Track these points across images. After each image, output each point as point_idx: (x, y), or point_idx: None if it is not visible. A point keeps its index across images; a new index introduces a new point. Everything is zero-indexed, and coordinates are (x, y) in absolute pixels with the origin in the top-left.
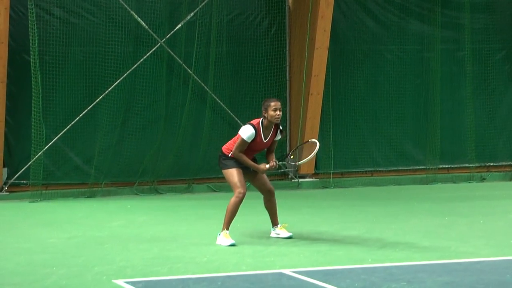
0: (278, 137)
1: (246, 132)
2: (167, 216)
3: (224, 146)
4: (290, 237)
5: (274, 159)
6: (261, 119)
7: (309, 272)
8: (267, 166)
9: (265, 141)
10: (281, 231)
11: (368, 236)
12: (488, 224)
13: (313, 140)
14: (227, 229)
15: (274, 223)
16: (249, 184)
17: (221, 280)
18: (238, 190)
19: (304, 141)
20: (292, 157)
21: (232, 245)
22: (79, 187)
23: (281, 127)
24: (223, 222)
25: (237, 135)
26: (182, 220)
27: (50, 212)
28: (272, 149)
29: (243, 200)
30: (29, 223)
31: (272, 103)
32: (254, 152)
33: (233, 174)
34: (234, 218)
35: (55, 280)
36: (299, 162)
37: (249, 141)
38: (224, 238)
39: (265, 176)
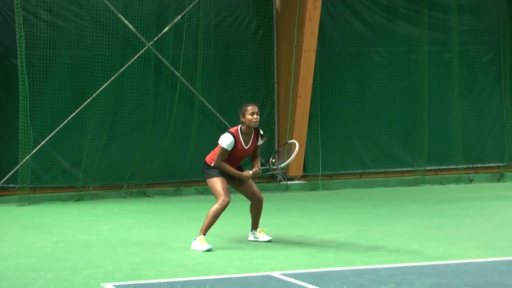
0: (260, 142)
1: (225, 140)
2: (155, 219)
3: (208, 157)
4: (269, 241)
5: (257, 165)
6: (239, 126)
7: (297, 274)
8: (251, 172)
9: (246, 148)
10: (260, 235)
11: (357, 238)
12: (476, 225)
13: (292, 141)
14: (204, 234)
15: (254, 227)
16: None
17: (209, 283)
18: (222, 198)
19: (283, 143)
20: (273, 160)
21: (209, 250)
22: (67, 191)
23: (261, 132)
24: (201, 226)
25: (218, 145)
26: (170, 223)
27: (38, 216)
28: (256, 154)
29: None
30: (17, 227)
31: (249, 108)
32: (238, 160)
33: (217, 183)
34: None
35: (43, 284)
36: (281, 165)
37: (229, 149)
38: (200, 243)
39: (254, 185)
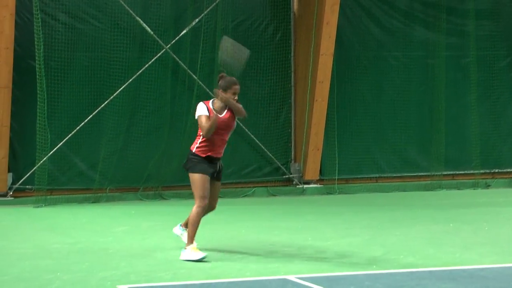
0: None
1: (199, 109)
2: (171, 221)
3: (192, 146)
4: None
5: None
6: (212, 100)
7: (313, 278)
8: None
9: (221, 116)
10: (185, 233)
11: (373, 243)
12: (492, 231)
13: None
14: (192, 242)
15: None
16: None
17: (225, 286)
18: (204, 200)
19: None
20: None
21: (203, 258)
22: (84, 193)
23: None
24: (187, 236)
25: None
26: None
27: (55, 217)
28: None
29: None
30: (34, 228)
31: (235, 86)
32: (221, 134)
33: (202, 181)
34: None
35: (59, 286)
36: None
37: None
38: (193, 252)
39: (217, 192)
